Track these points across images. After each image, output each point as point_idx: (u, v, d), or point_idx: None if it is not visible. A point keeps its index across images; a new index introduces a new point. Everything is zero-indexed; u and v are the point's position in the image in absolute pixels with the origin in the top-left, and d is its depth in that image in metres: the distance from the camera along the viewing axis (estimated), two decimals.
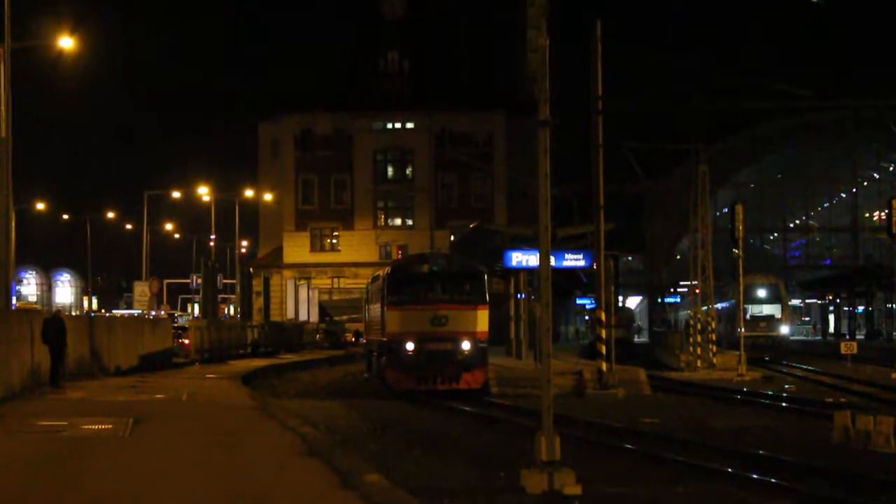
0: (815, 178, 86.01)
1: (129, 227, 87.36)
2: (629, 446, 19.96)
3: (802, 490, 15.20)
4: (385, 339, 32.14)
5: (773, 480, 16.07)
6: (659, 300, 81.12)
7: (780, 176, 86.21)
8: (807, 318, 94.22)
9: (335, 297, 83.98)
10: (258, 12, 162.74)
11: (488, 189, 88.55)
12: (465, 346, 30.43)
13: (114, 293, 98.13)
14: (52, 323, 30.60)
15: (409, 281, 32.64)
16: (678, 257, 70.57)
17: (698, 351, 48.95)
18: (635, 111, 47.07)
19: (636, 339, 79.82)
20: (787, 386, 38.94)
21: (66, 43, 32.86)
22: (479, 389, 30.79)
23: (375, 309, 36.53)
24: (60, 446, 16.08)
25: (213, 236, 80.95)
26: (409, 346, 30.56)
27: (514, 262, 40.10)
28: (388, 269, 35.48)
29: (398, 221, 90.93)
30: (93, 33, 34.78)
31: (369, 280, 44.27)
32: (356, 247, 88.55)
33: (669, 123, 52.17)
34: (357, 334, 66.25)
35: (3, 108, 29.89)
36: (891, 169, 77.86)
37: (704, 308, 52.31)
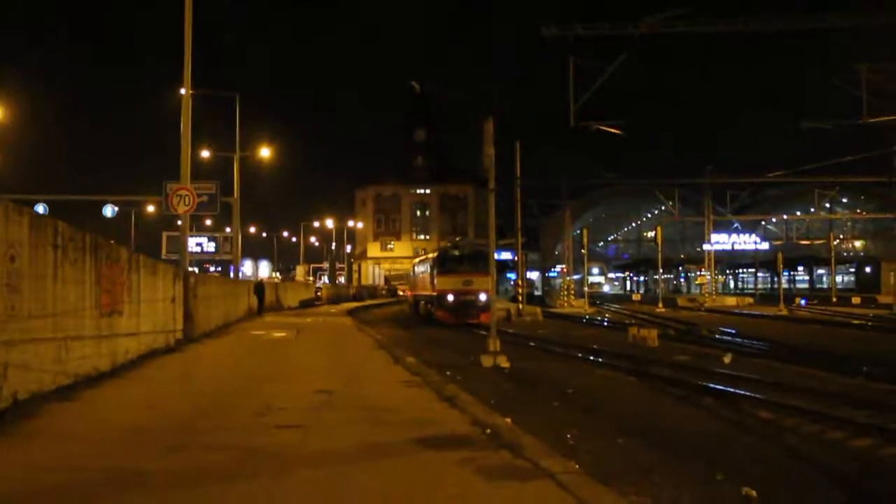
0: (620, 215, 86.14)
1: (293, 239, 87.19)
2: (532, 344, 20.13)
3: (614, 364, 15.36)
4: (435, 293, 27.76)
5: (599, 360, 16.22)
6: (546, 275, 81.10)
7: (604, 215, 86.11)
8: (616, 284, 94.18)
9: (392, 273, 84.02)
10: (344, 134, 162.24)
11: (466, 221, 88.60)
12: (482, 297, 25.92)
13: (287, 270, 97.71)
14: (258, 285, 30.75)
15: (450, 260, 28.23)
16: (556, 253, 70.25)
17: (565, 299, 49.19)
18: (535, 184, 47.00)
19: (535, 294, 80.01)
20: (606, 315, 39.10)
21: (265, 152, 33.00)
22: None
23: (424, 276, 31.70)
24: (262, 343, 16.25)
25: (333, 244, 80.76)
26: (450, 297, 26.81)
27: None
28: (436, 253, 30.59)
29: (422, 237, 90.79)
30: (275, 141, 34.79)
31: (416, 261, 38.52)
32: (402, 249, 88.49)
33: (553, 189, 52.12)
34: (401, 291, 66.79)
35: (235, 186, 29.97)
36: (656, 212, 77.75)
37: (568, 278, 52.63)
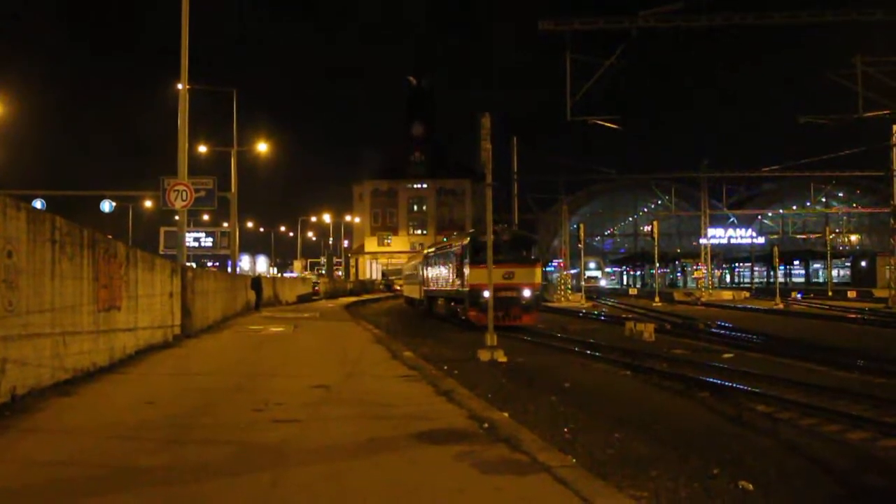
0: (616, 210, 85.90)
1: (291, 234, 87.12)
2: (528, 339, 20.01)
3: (610, 358, 15.37)
4: (466, 289, 22.67)
5: (596, 354, 16.22)
6: (544, 269, 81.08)
7: (600, 210, 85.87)
8: (613, 278, 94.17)
9: (389, 268, 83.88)
10: (343, 133, 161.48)
11: (463, 215, 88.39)
12: (526, 293, 22.07)
13: (285, 265, 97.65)
14: (256, 280, 30.66)
15: (485, 247, 19.38)
16: (553, 247, 70.24)
17: (562, 293, 49.11)
18: (532, 179, 47.15)
19: None
20: (603, 309, 39.07)
21: (262, 147, 32.89)
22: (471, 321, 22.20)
23: (445, 268, 26.50)
24: (260, 338, 16.21)
25: (331, 239, 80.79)
26: (486, 293, 18.90)
27: None
28: (468, 239, 23.55)
29: (419, 232, 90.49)
30: (273, 137, 34.58)
31: (429, 251, 32.45)
32: (399, 244, 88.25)
33: (549, 183, 52.09)
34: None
35: (233, 181, 29.88)
36: (653, 207, 77.58)
37: (564, 273, 52.60)
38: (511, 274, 21.87)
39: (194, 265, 26.26)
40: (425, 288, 31.17)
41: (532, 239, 24.80)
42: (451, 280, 25.27)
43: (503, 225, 29.73)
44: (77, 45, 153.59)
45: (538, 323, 23.37)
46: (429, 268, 30.51)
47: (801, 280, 63.91)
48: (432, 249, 31.41)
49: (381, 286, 71.37)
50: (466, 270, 23.02)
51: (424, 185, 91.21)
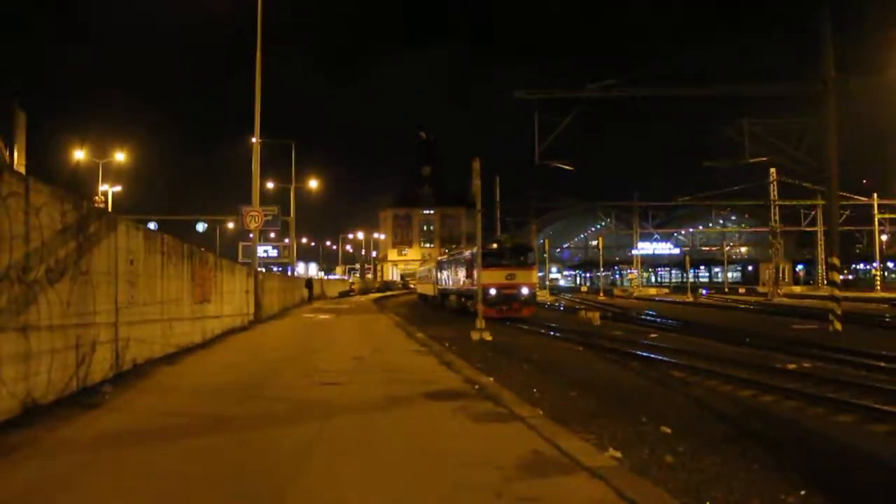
0: (572, 229, 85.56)
1: (334, 247, 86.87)
2: (507, 323, 19.76)
3: (568, 337, 15.31)
4: (476, 288, 19.27)
5: (559, 335, 16.15)
6: None
7: (560, 229, 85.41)
8: (569, 279, 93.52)
9: (405, 272, 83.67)
10: (371, 172, 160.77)
11: (459, 233, 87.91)
12: (524, 291, 20.33)
13: (329, 269, 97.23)
14: (308, 281, 30.59)
15: (491, 254, 20.24)
16: None
17: None
18: (510, 206, 46.77)
19: None
20: (562, 302, 38.88)
21: (313, 184, 32.91)
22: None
23: (457, 270, 24.47)
24: (311, 323, 16.20)
25: (363, 251, 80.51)
26: (493, 291, 19.57)
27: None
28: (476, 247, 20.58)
29: (428, 245, 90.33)
30: (320, 173, 34.39)
31: (442, 258, 29.91)
32: (413, 254, 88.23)
33: (523, 209, 51.82)
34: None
35: (291, 209, 29.87)
36: (599, 226, 77.07)
37: None
38: (513, 275, 20.42)
39: (263, 270, 26.21)
40: (439, 287, 28.58)
41: (530, 247, 23.08)
42: (462, 280, 23.63)
43: (507, 234, 27.52)
44: (178, 107, 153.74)
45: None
46: (443, 271, 28.04)
47: (706, 280, 63.74)
48: (445, 257, 29.08)
49: (399, 285, 71.07)
50: (476, 272, 21.15)
51: (431, 212, 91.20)
